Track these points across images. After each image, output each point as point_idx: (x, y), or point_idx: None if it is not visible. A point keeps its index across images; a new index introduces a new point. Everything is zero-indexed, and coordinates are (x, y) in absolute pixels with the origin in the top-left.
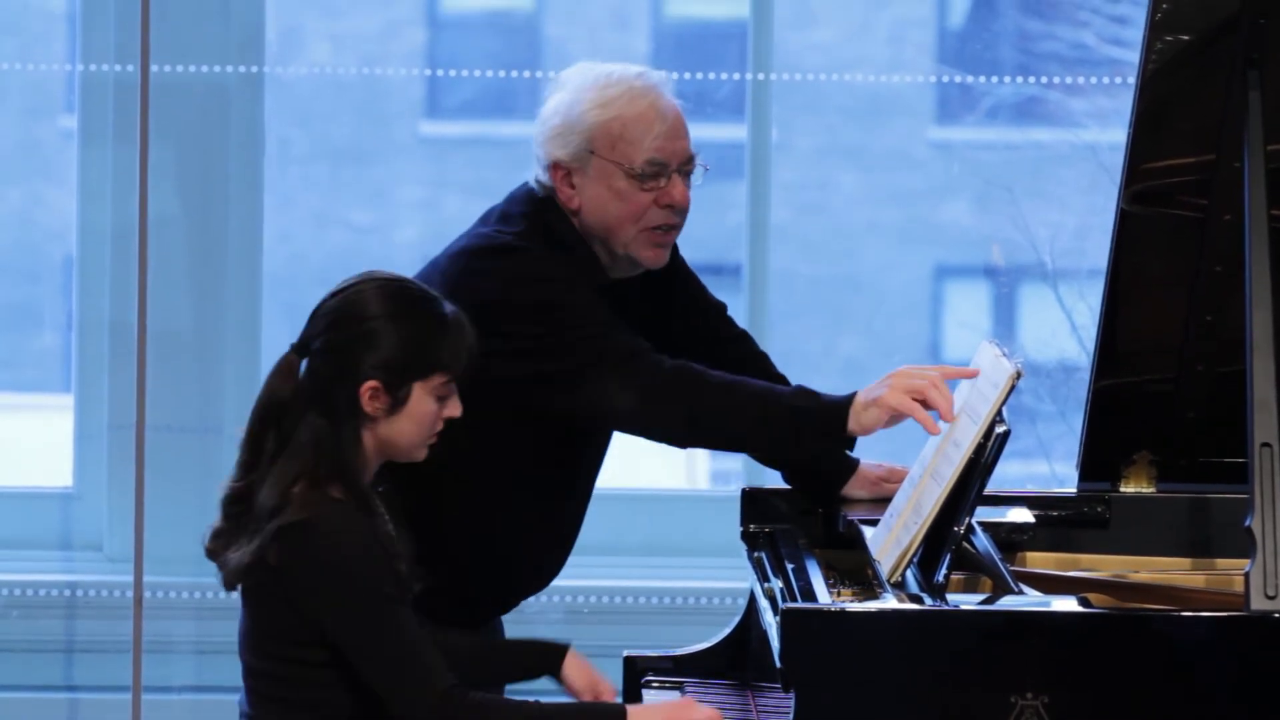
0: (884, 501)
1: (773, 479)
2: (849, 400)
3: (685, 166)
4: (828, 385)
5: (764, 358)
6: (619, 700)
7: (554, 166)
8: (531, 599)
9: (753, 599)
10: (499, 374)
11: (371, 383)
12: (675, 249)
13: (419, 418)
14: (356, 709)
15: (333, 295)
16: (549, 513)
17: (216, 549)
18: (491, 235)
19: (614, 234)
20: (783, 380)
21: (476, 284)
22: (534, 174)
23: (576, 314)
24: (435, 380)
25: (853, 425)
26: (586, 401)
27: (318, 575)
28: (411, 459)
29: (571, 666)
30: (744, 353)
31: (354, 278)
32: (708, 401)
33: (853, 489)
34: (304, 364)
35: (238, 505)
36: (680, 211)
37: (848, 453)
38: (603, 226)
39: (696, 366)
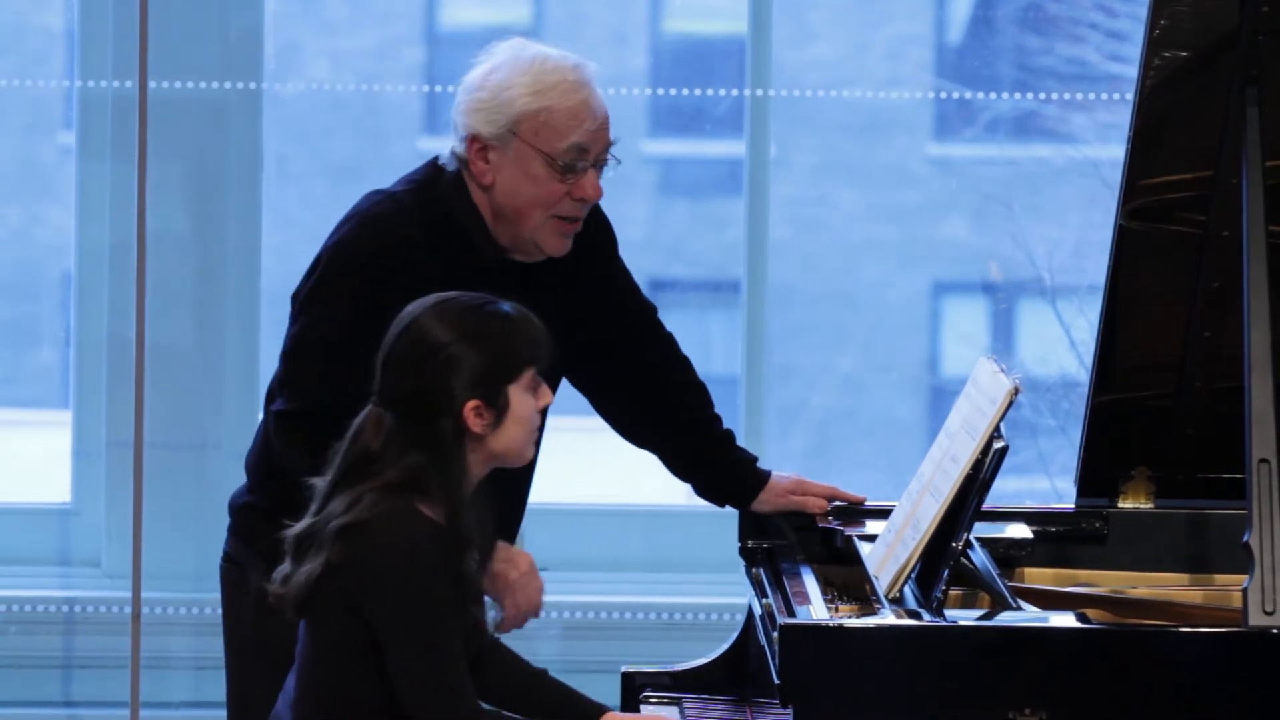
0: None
1: None
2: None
3: (600, 159)
4: (826, 402)
5: (686, 366)
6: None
7: (472, 139)
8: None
9: (751, 615)
10: None
11: (473, 403)
12: (615, 244)
13: (523, 418)
14: None
15: (396, 339)
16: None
17: (284, 589)
18: (371, 195)
19: (523, 217)
20: (702, 389)
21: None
22: (449, 145)
23: (316, 326)
24: (525, 376)
25: None
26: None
27: (370, 569)
28: (523, 461)
29: None
30: (666, 357)
31: (404, 316)
32: None
33: (762, 502)
34: (389, 418)
35: (307, 545)
36: (588, 206)
37: (758, 466)
38: (512, 208)
39: None
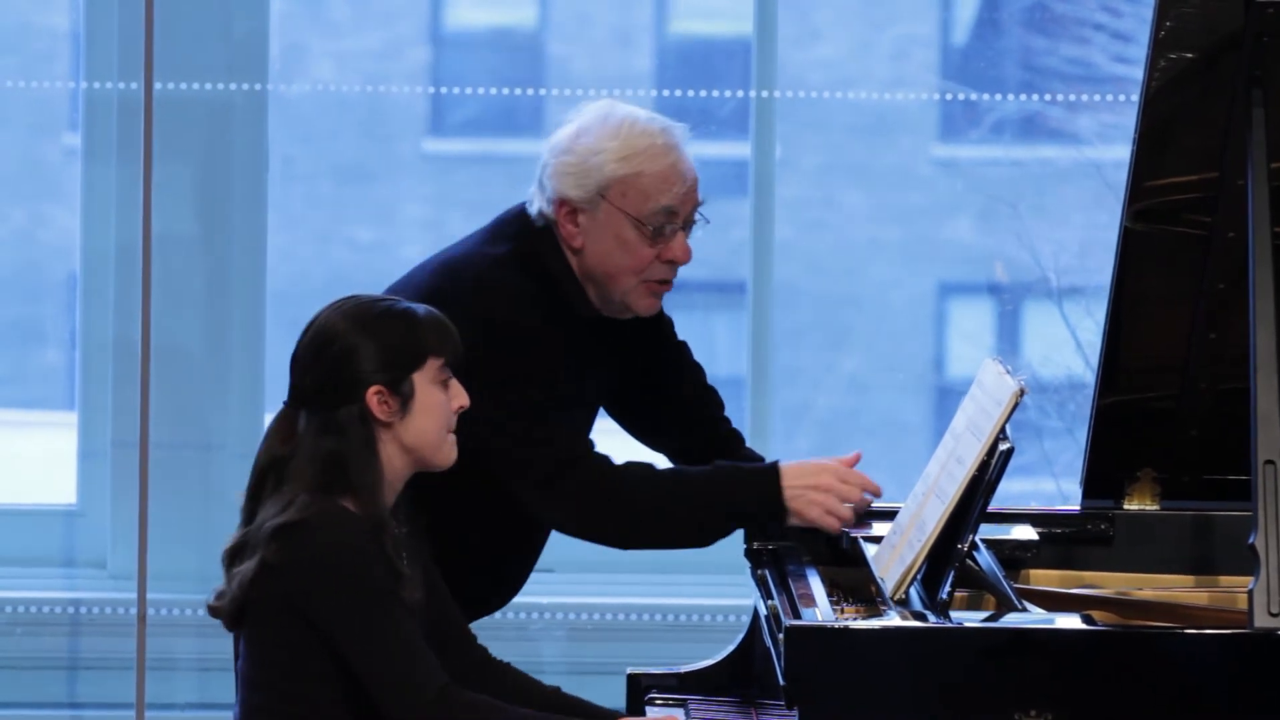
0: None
1: None
2: (776, 481)
3: (689, 219)
4: (831, 403)
5: (699, 369)
6: None
7: (560, 202)
8: (535, 615)
9: (756, 616)
10: None
11: (374, 388)
12: None
13: (431, 409)
14: None
15: (300, 340)
16: (517, 528)
17: (219, 600)
18: (473, 258)
19: (613, 281)
20: (713, 393)
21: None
22: (534, 200)
23: (526, 396)
24: (431, 367)
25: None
26: (520, 500)
27: (312, 570)
28: (441, 460)
29: None
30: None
31: (310, 321)
32: (643, 512)
33: None
34: (302, 416)
35: (239, 556)
36: (678, 268)
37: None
38: (603, 272)
39: (632, 474)
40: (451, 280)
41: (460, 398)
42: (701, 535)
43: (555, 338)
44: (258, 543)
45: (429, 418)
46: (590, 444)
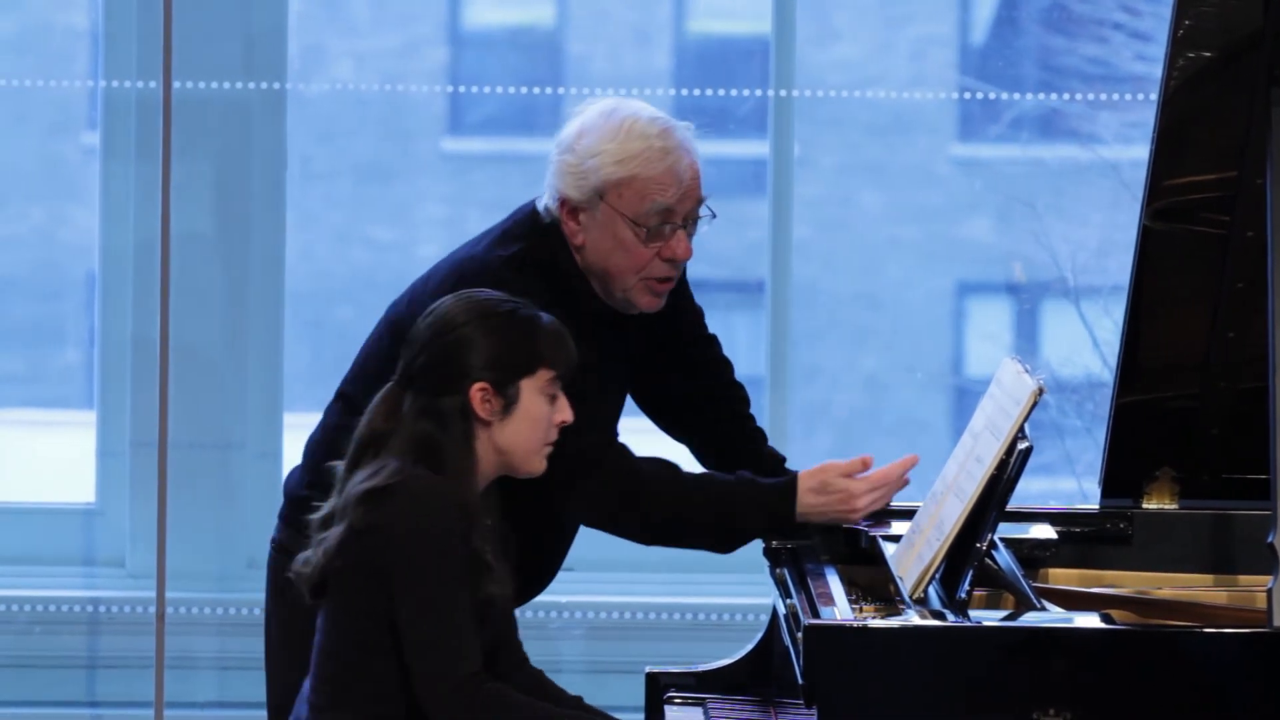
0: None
1: None
2: (791, 505)
3: (691, 216)
4: (850, 401)
5: (728, 364)
6: None
7: (562, 201)
8: (554, 614)
9: (775, 615)
10: None
11: (480, 384)
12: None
13: (533, 418)
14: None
15: (420, 320)
16: (548, 523)
17: (304, 572)
18: (486, 261)
19: (613, 278)
20: (740, 388)
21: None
22: (543, 198)
23: None
24: (542, 377)
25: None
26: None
27: (396, 535)
28: (530, 469)
29: None
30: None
31: (433, 306)
32: (659, 514)
33: None
34: (407, 397)
35: (328, 528)
36: (680, 266)
37: (785, 467)
38: (603, 269)
39: (658, 474)
40: (463, 284)
41: (564, 413)
42: (717, 547)
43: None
44: (348, 508)
45: (529, 426)
46: (613, 439)
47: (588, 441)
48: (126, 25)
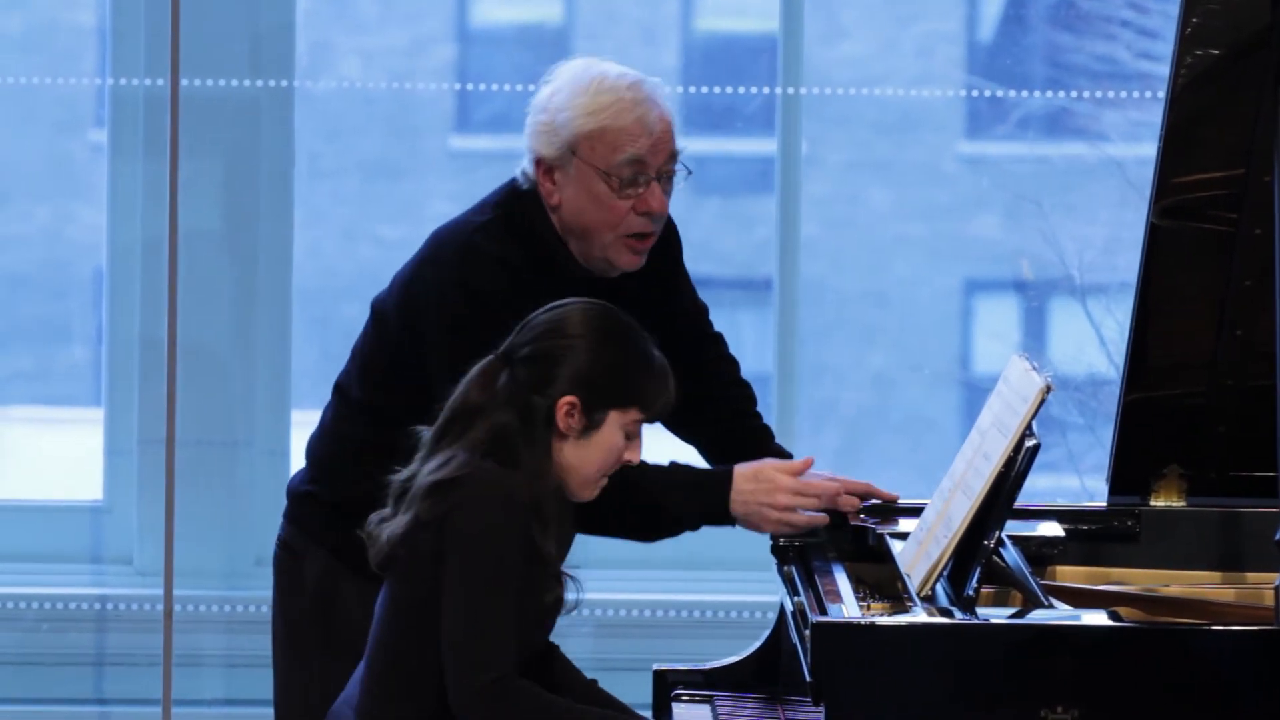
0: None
1: None
2: (726, 489)
3: (665, 170)
4: (857, 399)
5: (732, 364)
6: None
7: (538, 161)
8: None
9: (782, 612)
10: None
11: (570, 398)
12: (680, 247)
13: (607, 449)
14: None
15: (545, 311)
16: None
17: (376, 534)
18: (462, 226)
19: (591, 236)
20: (745, 386)
21: (428, 273)
22: (521, 165)
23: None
24: (631, 415)
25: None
26: None
27: (455, 528)
28: (582, 496)
29: None
30: (714, 358)
31: (569, 299)
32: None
33: None
34: (505, 375)
35: (404, 495)
36: (658, 218)
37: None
38: (580, 227)
39: None
40: (437, 249)
41: (634, 453)
42: (644, 533)
43: (542, 301)
44: (415, 497)
45: (600, 455)
46: None
47: None
48: (134, 23)
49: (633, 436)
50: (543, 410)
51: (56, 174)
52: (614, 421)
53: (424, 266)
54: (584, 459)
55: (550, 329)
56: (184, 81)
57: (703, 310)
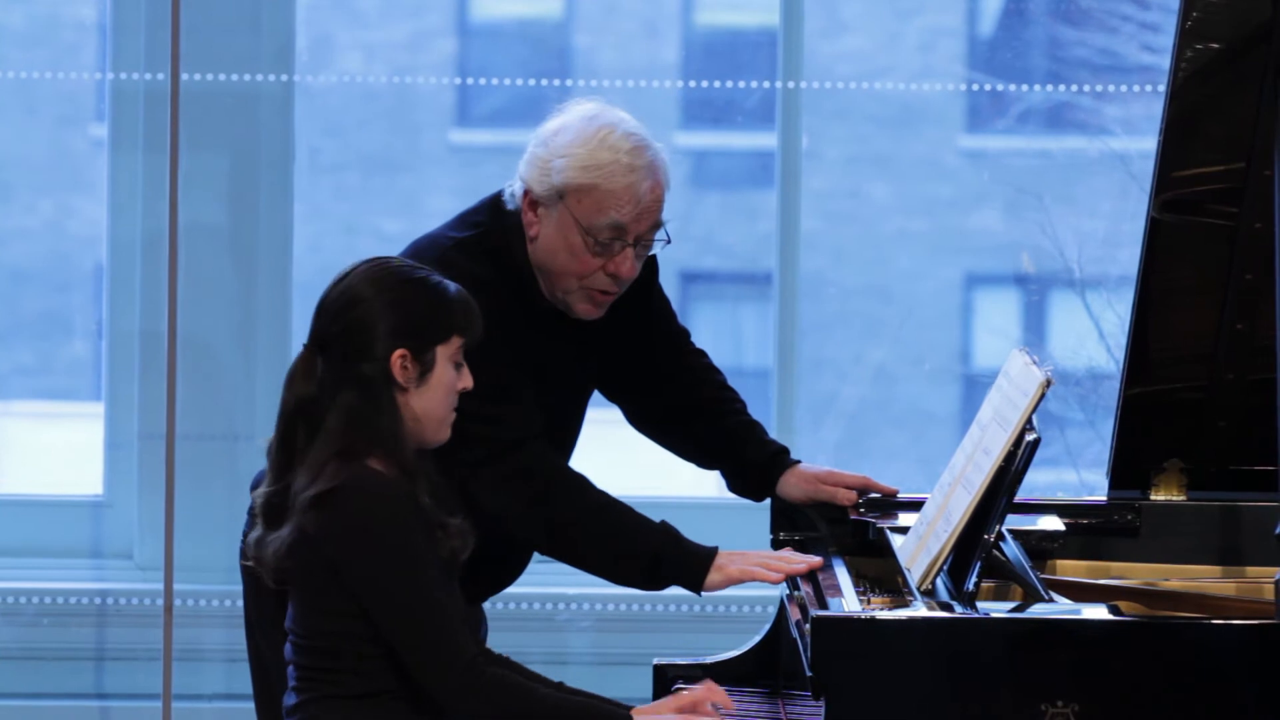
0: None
1: None
2: (710, 555)
3: (644, 239)
4: (858, 393)
5: (716, 370)
6: None
7: (526, 191)
8: (562, 606)
9: (783, 607)
10: None
11: (400, 351)
12: (655, 270)
13: (443, 385)
14: (403, 688)
15: (332, 288)
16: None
17: (260, 555)
18: (439, 241)
19: (556, 279)
20: (728, 389)
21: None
22: (511, 183)
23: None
24: (454, 344)
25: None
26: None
27: (349, 537)
28: (439, 438)
29: None
30: (694, 383)
31: (344, 271)
32: (569, 518)
33: (791, 487)
34: (321, 360)
35: (275, 511)
36: (623, 283)
37: (786, 454)
38: (548, 267)
39: (577, 480)
40: (415, 260)
41: (466, 380)
42: (612, 574)
43: (508, 322)
44: (295, 511)
45: (440, 393)
46: (536, 433)
47: (502, 431)
48: (134, 17)
49: (460, 365)
50: (380, 374)
51: (57, 168)
52: (442, 356)
53: None
54: (430, 402)
55: (347, 301)
56: (185, 76)
57: (681, 334)
